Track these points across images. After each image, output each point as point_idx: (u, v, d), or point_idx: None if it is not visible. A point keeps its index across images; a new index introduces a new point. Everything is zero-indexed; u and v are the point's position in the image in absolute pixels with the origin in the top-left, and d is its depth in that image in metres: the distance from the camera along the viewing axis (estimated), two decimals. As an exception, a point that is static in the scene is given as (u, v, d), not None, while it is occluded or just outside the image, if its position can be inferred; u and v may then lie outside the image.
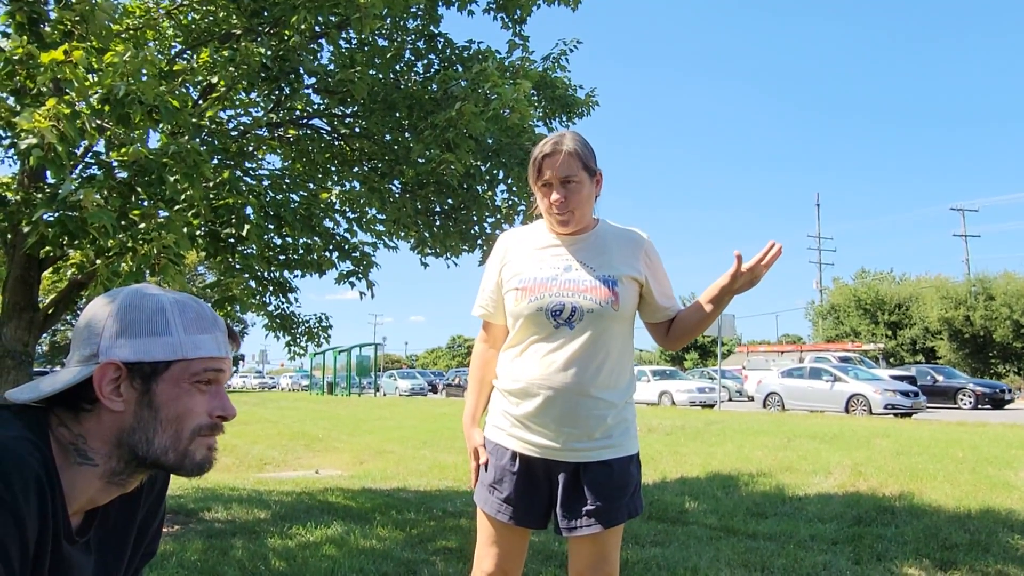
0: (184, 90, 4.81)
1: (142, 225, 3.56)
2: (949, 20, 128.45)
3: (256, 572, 3.92)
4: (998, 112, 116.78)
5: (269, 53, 4.54)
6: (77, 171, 4.31)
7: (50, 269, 5.67)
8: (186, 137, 3.64)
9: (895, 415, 18.50)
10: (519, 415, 2.10)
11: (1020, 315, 35.23)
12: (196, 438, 1.16)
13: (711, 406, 23.57)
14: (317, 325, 6.67)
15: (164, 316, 1.15)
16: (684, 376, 29.99)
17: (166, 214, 3.90)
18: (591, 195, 2.14)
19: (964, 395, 23.84)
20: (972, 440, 10.23)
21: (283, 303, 6.32)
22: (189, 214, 3.94)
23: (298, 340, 6.54)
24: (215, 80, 4.54)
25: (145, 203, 3.88)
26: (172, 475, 1.23)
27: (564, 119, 6.39)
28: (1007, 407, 23.36)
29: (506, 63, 5.62)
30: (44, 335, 5.27)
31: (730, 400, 29.17)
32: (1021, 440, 10.03)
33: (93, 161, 3.97)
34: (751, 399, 25.86)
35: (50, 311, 5.25)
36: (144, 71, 3.23)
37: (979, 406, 23.03)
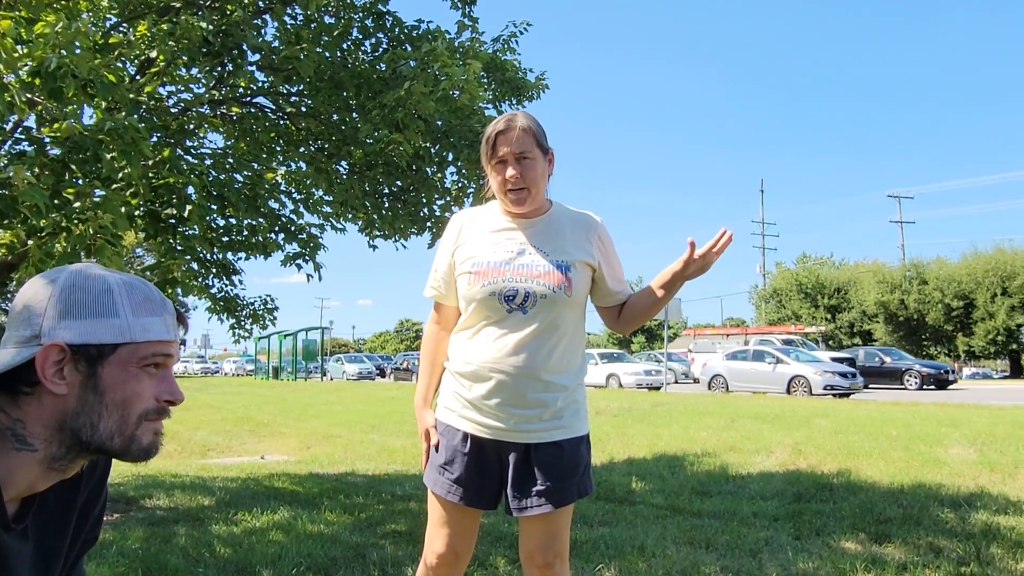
0: (121, 64, 4.63)
1: (77, 204, 3.43)
2: (888, 7, 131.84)
3: (200, 559, 3.85)
4: (935, 100, 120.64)
5: (211, 27, 4.40)
6: (6, 147, 4.13)
7: (-22, 250, 5.44)
8: (123, 113, 3.51)
9: (834, 395, 19.08)
10: (470, 397, 2.09)
11: (951, 299, 36.62)
12: (143, 423, 1.12)
13: (657, 388, 23.90)
14: (262, 307, 6.56)
15: (111, 297, 1.10)
16: (631, 359, 30.35)
17: (102, 193, 3.77)
18: (545, 173, 2.14)
19: (910, 376, 24.57)
20: (905, 419, 10.61)
21: (227, 285, 6.19)
22: (127, 193, 3.80)
23: (243, 323, 6.41)
24: (154, 54, 4.39)
25: (80, 181, 3.73)
26: (115, 460, 1.19)
27: (514, 101, 6.36)
28: (950, 388, 24.06)
29: (456, 44, 5.57)
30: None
31: (676, 383, 29.64)
32: (951, 418, 10.45)
33: (24, 137, 3.80)
34: (697, 381, 26.34)
35: (-21, 294, 5.05)
36: (77, 43, 3.09)
37: (924, 387, 23.74)
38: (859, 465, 7.00)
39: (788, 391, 20.29)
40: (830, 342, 42.28)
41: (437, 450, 2.15)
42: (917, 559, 3.81)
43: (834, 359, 23.65)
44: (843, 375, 20.40)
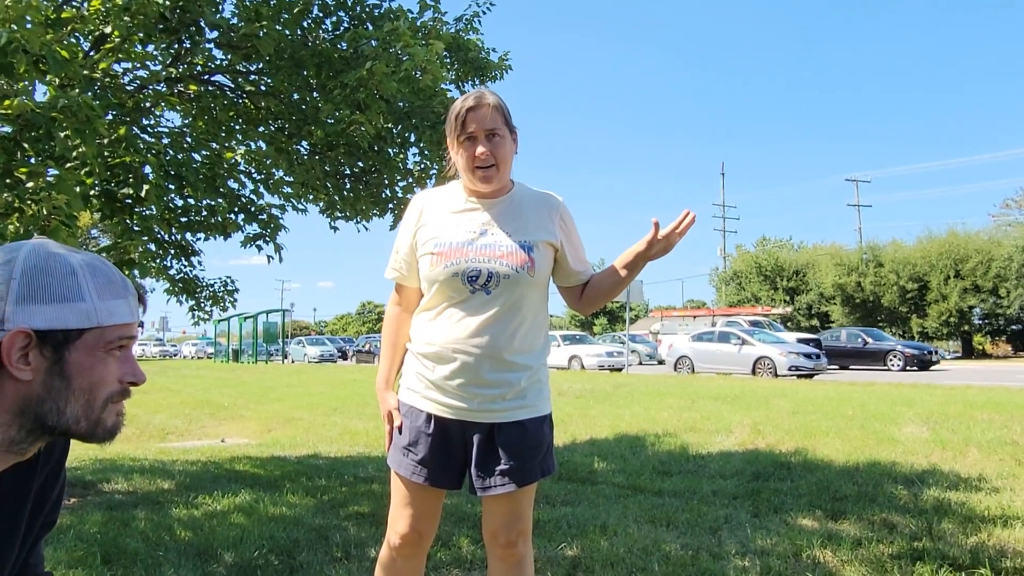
0: (74, 40, 4.50)
1: (30, 184, 3.34)
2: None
3: (160, 543, 3.81)
4: (892, 86, 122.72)
5: (168, 3, 4.29)
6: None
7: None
8: (77, 91, 3.41)
9: (798, 376, 19.34)
10: (433, 378, 2.10)
11: (906, 281, 37.43)
12: (108, 405, 1.11)
13: (619, 370, 24.12)
14: (223, 289, 6.46)
15: (76, 280, 1.07)
16: (593, 341, 30.55)
17: (56, 172, 3.67)
18: (511, 152, 2.13)
19: (893, 357, 24.22)
20: (861, 399, 10.87)
21: (186, 267, 6.08)
22: (81, 172, 3.71)
23: (202, 305, 6.32)
24: (108, 30, 4.26)
25: (32, 160, 3.63)
26: (74, 442, 1.17)
27: (477, 82, 6.33)
28: (932, 368, 23.63)
29: (418, 23, 5.50)
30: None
31: (640, 364, 29.81)
32: (905, 398, 10.73)
33: (-28, 113, 3.68)
34: (663, 363, 26.38)
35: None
36: (28, 18, 3.00)
37: (907, 368, 23.45)
38: (816, 444, 7.16)
39: (753, 372, 20.56)
40: (787, 324, 43.04)
41: (400, 432, 2.15)
42: (871, 535, 3.92)
43: (800, 340, 23.84)
44: (807, 356, 20.65)
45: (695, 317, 36.80)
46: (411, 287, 2.22)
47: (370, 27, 5.40)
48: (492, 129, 2.05)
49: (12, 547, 1.17)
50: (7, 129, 3.59)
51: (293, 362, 40.54)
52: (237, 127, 6.08)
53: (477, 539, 3.82)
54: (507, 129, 2.10)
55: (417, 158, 5.93)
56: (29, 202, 3.24)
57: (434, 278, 2.09)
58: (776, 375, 19.91)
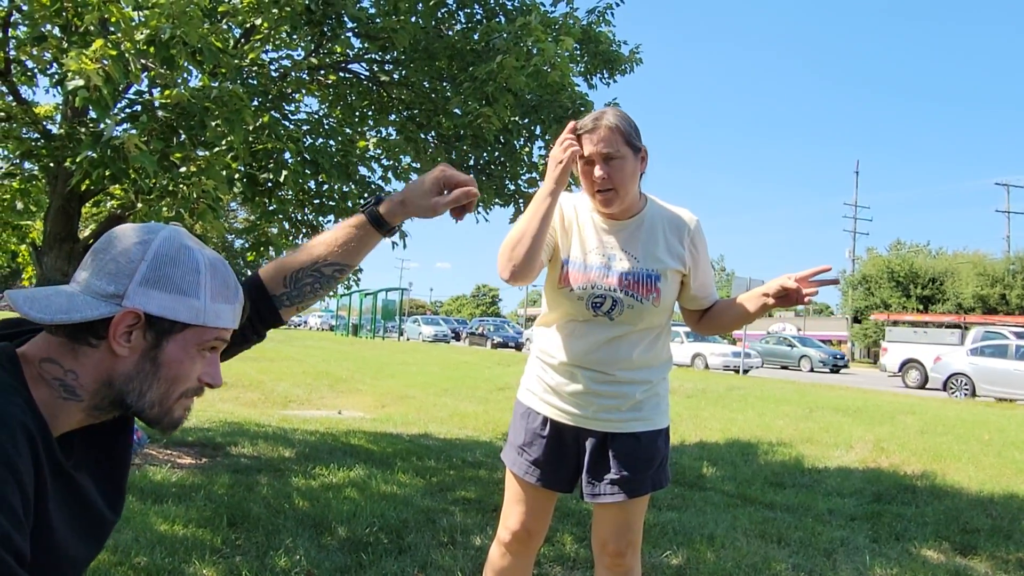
0: (227, 28, 4.77)
1: (183, 168, 3.58)
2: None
3: (281, 510, 4.02)
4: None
5: (314, -4, 4.48)
6: (119, 107, 4.32)
7: (90, 202, 5.74)
8: (227, 81, 3.62)
9: None
10: (552, 384, 2.12)
11: (1058, 297, 34.49)
12: (181, 399, 1.16)
13: (745, 371, 23.09)
14: (348, 268, 6.71)
15: (197, 278, 1.12)
16: (718, 339, 28.90)
17: (205, 153, 3.91)
18: (635, 173, 2.05)
19: None
20: (1000, 423, 10.14)
21: (315, 245, 6.35)
22: (228, 157, 3.94)
23: (328, 283, 6.59)
24: (258, 22, 4.50)
25: (185, 142, 3.88)
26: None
27: (606, 75, 6.26)
28: None
29: (550, 16, 5.49)
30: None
31: (811, 371, 27.93)
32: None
33: (136, 99, 3.97)
34: (894, 374, 22.84)
35: (89, 242, 5.34)
36: (189, 12, 3.20)
37: None
38: (946, 468, 6.74)
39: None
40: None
41: (512, 431, 2.18)
42: (1006, 575, 3.66)
43: None
44: None
45: (942, 326, 29.35)
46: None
47: (503, 20, 5.44)
48: (608, 153, 1.98)
49: (120, 484, 1.25)
50: (164, 114, 3.86)
51: (408, 339, 41.71)
52: (369, 114, 6.28)
53: (581, 537, 3.82)
54: (629, 149, 2.01)
55: (542, 151, 5.94)
56: (181, 185, 3.47)
57: (559, 296, 2.10)
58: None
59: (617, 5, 6.34)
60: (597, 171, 2.00)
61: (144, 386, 1.11)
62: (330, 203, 5.29)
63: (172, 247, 1.12)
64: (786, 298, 2.02)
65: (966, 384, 17.74)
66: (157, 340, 1.10)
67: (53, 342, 1.10)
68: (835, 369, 28.59)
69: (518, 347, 34.47)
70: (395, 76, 5.91)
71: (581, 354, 2.07)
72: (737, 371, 23.58)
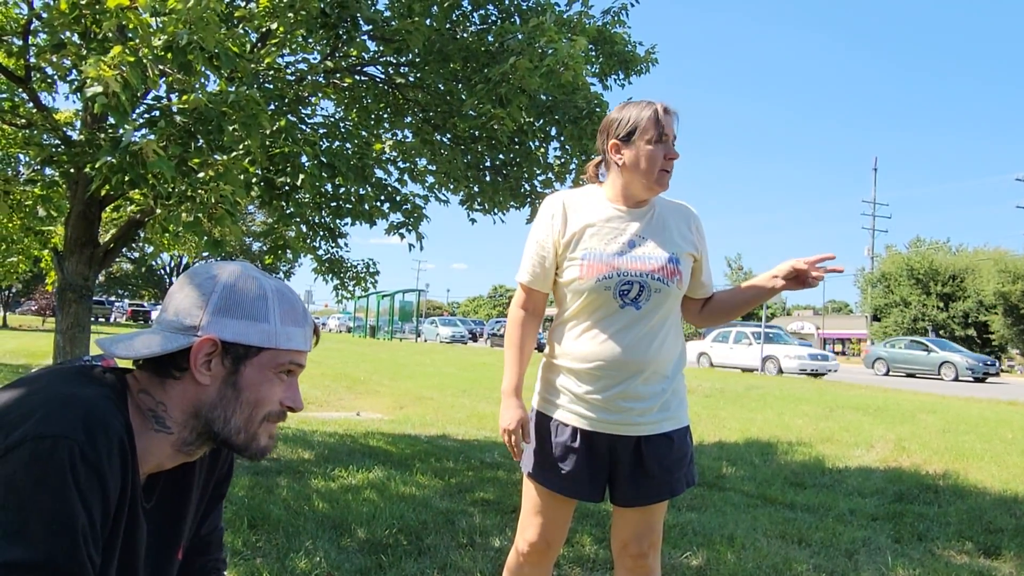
0: (243, 32, 4.81)
1: (201, 174, 3.61)
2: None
3: (300, 512, 4.04)
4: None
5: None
6: (137, 112, 4.37)
7: (110, 207, 5.80)
8: (244, 86, 3.64)
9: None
10: (580, 392, 2.06)
11: (1082, 293, 34.01)
12: (264, 423, 1.20)
13: (822, 375, 21.38)
14: (365, 270, 6.76)
15: (265, 303, 1.18)
16: (791, 340, 26.35)
17: (222, 158, 3.94)
18: None
19: None
20: (1023, 422, 10.00)
21: (332, 247, 6.40)
22: (245, 162, 3.97)
23: (346, 284, 6.63)
24: (274, 26, 4.53)
25: (203, 147, 3.92)
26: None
27: (621, 76, 6.25)
28: None
29: (564, 16, 5.49)
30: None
31: (956, 379, 23.95)
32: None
33: (154, 105, 4.01)
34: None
35: (110, 247, 5.40)
36: (205, 17, 3.22)
37: None
38: (968, 468, 6.65)
39: None
40: (940, 332, 40.15)
41: (538, 445, 2.12)
42: (1029, 576, 3.61)
43: None
44: None
45: None
46: (542, 292, 2.16)
47: (517, 20, 5.44)
48: (675, 136, 2.08)
49: (181, 530, 1.28)
50: (182, 119, 3.90)
51: (426, 341, 41.81)
52: (385, 117, 6.31)
53: (600, 538, 3.81)
54: None
55: (557, 152, 5.94)
56: (199, 191, 3.50)
57: (582, 289, 2.04)
58: None
59: (632, 5, 6.33)
60: (674, 150, 2.06)
61: (228, 412, 1.16)
62: (347, 206, 5.32)
63: (238, 277, 1.19)
64: (796, 279, 2.03)
65: None
66: (235, 366, 1.16)
67: (143, 377, 1.17)
68: (982, 378, 23.83)
69: (539, 348, 34.09)
70: (410, 78, 5.93)
71: (613, 355, 2.02)
72: (816, 375, 21.54)
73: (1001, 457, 7.18)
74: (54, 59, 3.88)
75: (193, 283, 1.19)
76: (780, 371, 21.90)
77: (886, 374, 25.09)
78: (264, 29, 4.72)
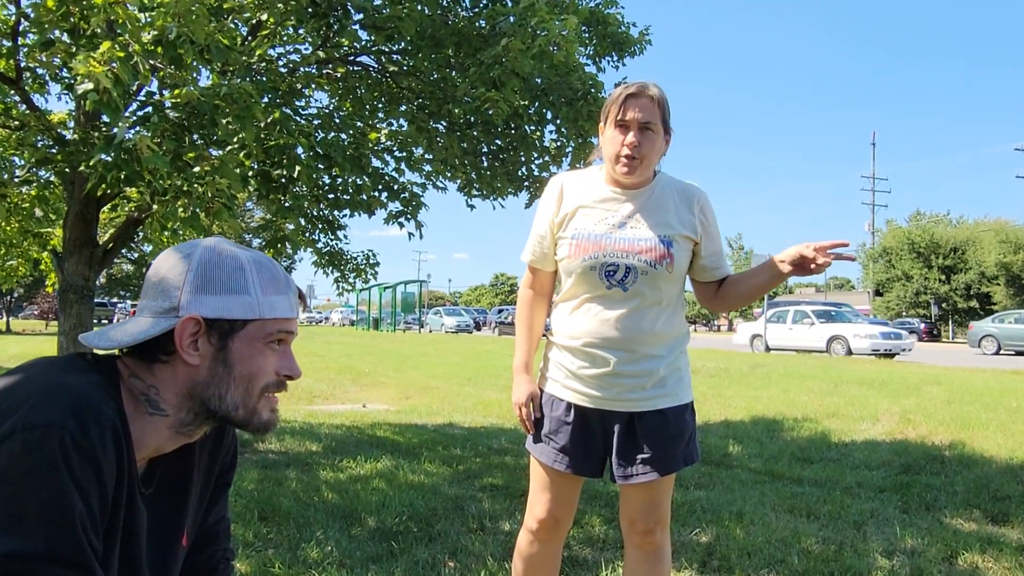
0: (233, 25, 4.78)
1: (196, 168, 3.59)
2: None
3: (310, 503, 4.06)
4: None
5: (317, -11, 4.47)
6: (130, 110, 4.35)
7: (108, 206, 5.79)
8: (236, 78, 3.63)
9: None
10: (573, 369, 2.10)
11: (1084, 260, 33.96)
12: (263, 396, 1.19)
13: (893, 355, 19.06)
14: (365, 262, 6.75)
15: (243, 275, 1.17)
16: (858, 316, 23.89)
17: (219, 153, 3.93)
18: (660, 151, 2.08)
19: None
20: (1027, 389, 10.01)
21: (332, 240, 6.39)
22: (241, 155, 3.95)
23: (347, 276, 6.63)
24: (264, 17, 4.50)
25: (198, 143, 3.90)
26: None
27: (615, 58, 6.21)
28: None
29: (556, -2, 5.45)
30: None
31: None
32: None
33: (147, 101, 4.00)
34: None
35: (109, 247, 5.39)
36: (194, 11, 3.20)
37: None
38: (974, 437, 6.66)
39: None
40: (943, 304, 40.15)
41: (540, 420, 2.17)
42: (1038, 541, 3.61)
43: None
44: None
45: None
46: (547, 271, 2.22)
47: (508, 2, 5.41)
48: (647, 122, 2.01)
49: (184, 516, 1.28)
50: (176, 114, 3.88)
51: (431, 331, 41.84)
52: (380, 106, 6.28)
53: (610, 519, 3.82)
54: (662, 127, 2.05)
55: (553, 135, 5.91)
56: (195, 185, 3.49)
57: (571, 269, 2.08)
58: None
59: (623, -16, 6.29)
60: (631, 136, 2.01)
61: (223, 389, 1.15)
62: (345, 197, 5.31)
63: (213, 254, 1.18)
64: (801, 266, 1.99)
65: None
66: (222, 342, 1.15)
67: (131, 363, 1.16)
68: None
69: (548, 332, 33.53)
70: (403, 66, 5.90)
71: (600, 332, 2.05)
72: (889, 355, 19.31)
73: (1006, 425, 7.19)
74: (43, 58, 3.86)
75: (169, 263, 1.17)
76: (849, 352, 19.74)
77: (996, 352, 22.14)
78: (254, 21, 4.69)
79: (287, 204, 4.86)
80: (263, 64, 4.61)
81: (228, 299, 1.14)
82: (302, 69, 5.24)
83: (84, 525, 0.98)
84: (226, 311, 1.14)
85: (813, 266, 1.97)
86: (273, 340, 1.18)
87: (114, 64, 2.88)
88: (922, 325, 36.56)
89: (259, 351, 1.17)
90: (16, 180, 5.33)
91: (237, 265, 1.17)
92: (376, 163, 5.65)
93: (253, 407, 1.18)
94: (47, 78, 4.63)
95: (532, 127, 5.77)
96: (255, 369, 1.17)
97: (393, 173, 5.95)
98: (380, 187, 5.43)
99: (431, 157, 6.11)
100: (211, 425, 1.21)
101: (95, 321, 5.47)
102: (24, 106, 4.57)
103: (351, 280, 6.72)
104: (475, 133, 5.79)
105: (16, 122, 4.50)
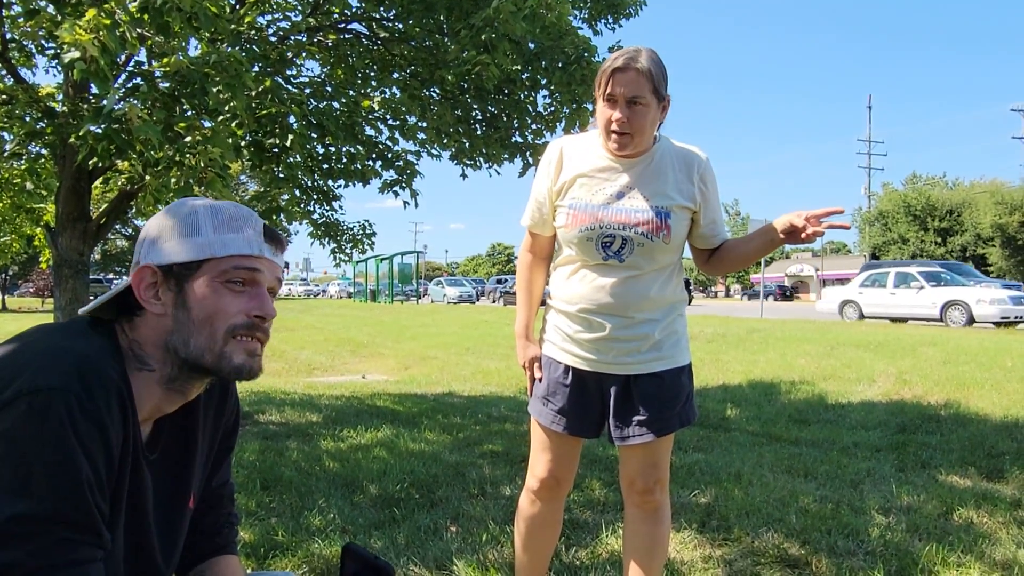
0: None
1: (188, 138, 3.56)
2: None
3: (311, 472, 4.09)
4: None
5: (306, -46, 4.39)
6: (120, 80, 4.29)
7: (100, 179, 5.75)
8: (226, 45, 3.58)
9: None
10: (570, 332, 2.11)
11: (1080, 220, 34.00)
12: (231, 340, 1.15)
13: (1020, 322, 16.11)
14: (361, 232, 6.73)
15: (196, 218, 1.16)
16: (976, 276, 20.09)
17: (211, 124, 3.89)
18: (655, 121, 2.02)
19: None
20: (1022, 349, 10.07)
21: (327, 211, 6.36)
22: (233, 124, 3.91)
23: (343, 247, 6.61)
24: (252, -16, 4.43)
25: (189, 114, 3.86)
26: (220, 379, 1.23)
27: (610, 20, 6.14)
28: None
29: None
30: (97, 244, 5.41)
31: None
32: (1074, 349, 9.84)
33: (136, 71, 3.94)
34: None
35: (102, 221, 5.36)
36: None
37: None
38: (969, 396, 6.72)
39: None
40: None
41: (540, 381, 2.18)
42: (1032, 496, 3.66)
43: None
44: None
45: None
46: (545, 236, 2.22)
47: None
48: (635, 96, 1.94)
49: (190, 478, 1.28)
50: (166, 84, 3.84)
51: (432, 301, 41.81)
52: (372, 74, 6.21)
53: (609, 482, 3.86)
54: (654, 98, 1.96)
55: (547, 100, 5.86)
56: (188, 155, 3.46)
57: (568, 239, 2.07)
58: None
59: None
60: (617, 113, 1.96)
61: (186, 334, 1.14)
62: (339, 166, 5.28)
63: (174, 206, 1.19)
64: (792, 235, 1.97)
65: None
66: (179, 287, 1.14)
67: (124, 324, 1.17)
68: None
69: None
70: (395, 33, 5.82)
71: (596, 299, 2.05)
72: (1019, 321, 16.53)
73: (1001, 384, 7.24)
74: (28, 28, 3.79)
75: (146, 225, 1.21)
76: (972, 320, 16.76)
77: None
78: (242, -12, 4.61)
79: (281, 175, 4.82)
80: (252, 32, 4.55)
81: (179, 243, 1.14)
82: (292, 37, 5.18)
83: (91, 488, 0.98)
84: (177, 255, 1.14)
85: (804, 235, 1.95)
86: (231, 279, 1.15)
87: (100, 32, 2.83)
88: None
89: (215, 291, 1.14)
90: (5, 154, 5.27)
91: (191, 211, 1.17)
92: (369, 132, 5.60)
93: (220, 351, 1.15)
94: (34, 50, 4.57)
95: (525, 93, 5.71)
96: (215, 310, 1.14)
97: (387, 142, 5.92)
98: (374, 156, 5.39)
99: (424, 125, 6.07)
100: (199, 379, 1.19)
101: (91, 297, 5.44)
102: (11, 79, 4.51)
103: (347, 251, 6.71)
104: (468, 99, 5.74)
105: (3, 96, 4.44)
